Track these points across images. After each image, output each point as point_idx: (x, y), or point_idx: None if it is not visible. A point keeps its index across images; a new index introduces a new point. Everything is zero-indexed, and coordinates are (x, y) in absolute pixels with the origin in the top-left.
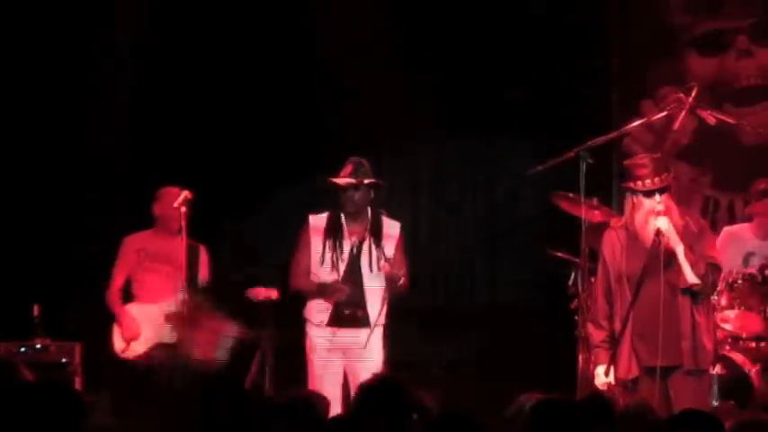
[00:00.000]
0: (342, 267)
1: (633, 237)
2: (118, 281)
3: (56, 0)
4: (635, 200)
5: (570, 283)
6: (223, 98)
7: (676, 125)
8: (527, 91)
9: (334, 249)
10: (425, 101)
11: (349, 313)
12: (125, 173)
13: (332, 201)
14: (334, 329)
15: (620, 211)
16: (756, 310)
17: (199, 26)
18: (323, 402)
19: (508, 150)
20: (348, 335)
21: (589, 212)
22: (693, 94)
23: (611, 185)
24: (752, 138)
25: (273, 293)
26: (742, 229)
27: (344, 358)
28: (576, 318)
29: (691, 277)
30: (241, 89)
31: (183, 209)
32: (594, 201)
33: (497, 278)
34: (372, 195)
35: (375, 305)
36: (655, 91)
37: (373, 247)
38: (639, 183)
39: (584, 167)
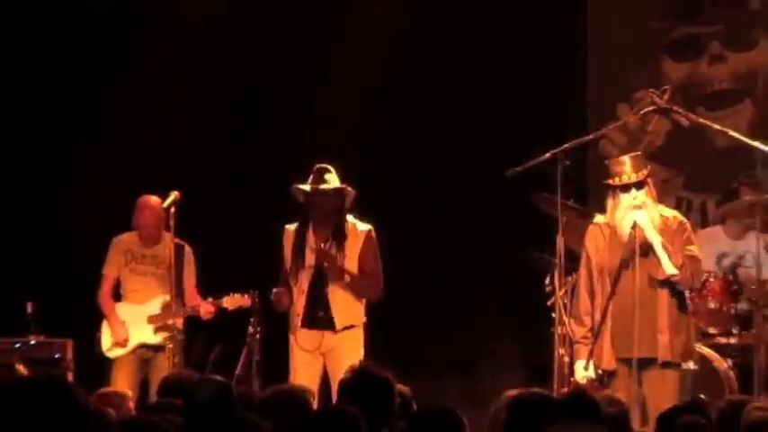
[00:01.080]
0: (307, 272)
1: (612, 233)
2: (108, 283)
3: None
4: (614, 196)
5: (547, 281)
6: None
7: (650, 127)
8: (508, 94)
9: (299, 255)
10: (407, 102)
11: (316, 316)
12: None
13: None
14: (306, 331)
15: (599, 210)
16: (727, 306)
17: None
18: (307, 396)
19: (488, 151)
20: (318, 336)
21: (566, 212)
22: (667, 97)
23: (586, 186)
24: (723, 140)
25: (247, 302)
26: (715, 230)
27: (322, 359)
28: (554, 315)
29: (669, 268)
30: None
31: (173, 210)
32: (571, 201)
33: (477, 276)
34: (345, 199)
35: (341, 307)
36: (630, 94)
37: (334, 249)
38: (617, 179)
39: (561, 168)
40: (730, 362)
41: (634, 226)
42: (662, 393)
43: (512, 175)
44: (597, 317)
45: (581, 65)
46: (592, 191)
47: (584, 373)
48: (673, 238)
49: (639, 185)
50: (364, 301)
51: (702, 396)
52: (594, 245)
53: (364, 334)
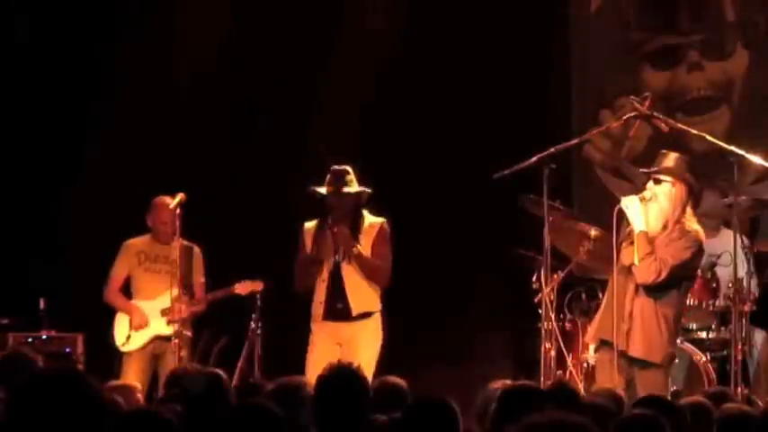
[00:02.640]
0: (328, 264)
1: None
2: (117, 281)
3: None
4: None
5: (534, 278)
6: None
7: (632, 132)
8: (496, 101)
9: (318, 250)
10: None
11: (335, 308)
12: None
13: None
14: (327, 323)
15: (582, 212)
16: (706, 303)
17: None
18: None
19: (477, 155)
20: (338, 327)
21: (551, 213)
22: (647, 104)
23: (571, 188)
24: (701, 144)
25: (258, 286)
26: None
27: (340, 349)
28: (540, 311)
29: (629, 258)
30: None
31: (178, 211)
32: (557, 202)
33: (467, 273)
34: (361, 198)
35: (357, 293)
36: (612, 101)
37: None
38: (646, 167)
39: (546, 172)
40: (709, 356)
41: (619, 211)
42: (647, 390)
43: (499, 178)
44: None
45: (566, 74)
46: (576, 193)
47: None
48: (663, 240)
49: (657, 181)
50: (379, 289)
51: (675, 388)
52: (619, 229)
53: (382, 322)
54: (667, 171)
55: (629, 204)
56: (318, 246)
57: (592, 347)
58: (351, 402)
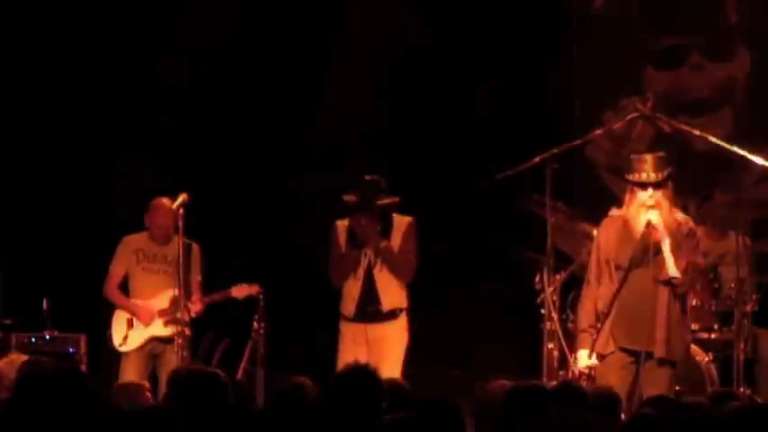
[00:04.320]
0: (363, 262)
1: (626, 227)
2: (116, 277)
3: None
4: (632, 192)
5: (537, 279)
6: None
7: (634, 133)
8: (500, 102)
9: (353, 246)
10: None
11: (367, 309)
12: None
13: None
14: (356, 324)
15: (585, 212)
16: (708, 304)
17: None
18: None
19: (482, 155)
20: (366, 328)
21: (554, 213)
22: (650, 105)
23: (573, 189)
24: (703, 145)
25: (255, 289)
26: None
27: (369, 350)
28: (543, 311)
29: (672, 270)
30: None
31: (181, 211)
32: (560, 203)
33: (470, 274)
34: (391, 208)
35: (387, 297)
36: (615, 102)
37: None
38: (636, 175)
39: (549, 172)
40: (711, 356)
41: (648, 225)
42: (654, 388)
43: (502, 178)
44: (600, 306)
45: (568, 75)
46: (578, 193)
47: (587, 361)
48: (682, 241)
49: (658, 185)
50: (405, 287)
51: (678, 388)
52: (606, 237)
53: (407, 320)
54: (664, 176)
55: (654, 216)
56: (352, 241)
57: (584, 353)
58: (366, 402)
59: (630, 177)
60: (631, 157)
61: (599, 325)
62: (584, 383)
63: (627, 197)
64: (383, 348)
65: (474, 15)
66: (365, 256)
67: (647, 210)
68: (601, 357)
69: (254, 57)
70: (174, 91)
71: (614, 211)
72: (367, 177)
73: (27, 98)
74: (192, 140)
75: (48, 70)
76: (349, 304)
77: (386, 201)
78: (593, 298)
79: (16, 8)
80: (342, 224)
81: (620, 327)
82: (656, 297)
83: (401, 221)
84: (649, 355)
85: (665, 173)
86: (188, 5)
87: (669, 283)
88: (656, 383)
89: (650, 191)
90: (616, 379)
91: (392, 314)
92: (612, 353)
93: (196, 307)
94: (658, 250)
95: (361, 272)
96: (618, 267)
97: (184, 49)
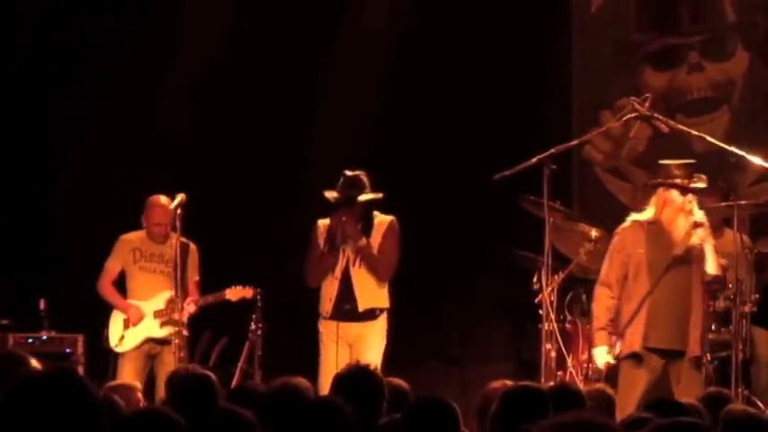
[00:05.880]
0: (341, 262)
1: (659, 230)
2: (111, 274)
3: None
4: (667, 196)
5: (534, 279)
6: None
7: (632, 133)
8: (497, 103)
9: (332, 246)
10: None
11: (343, 308)
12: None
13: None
14: (334, 323)
15: (583, 212)
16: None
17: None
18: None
19: (478, 156)
20: (345, 327)
21: (552, 214)
22: (648, 105)
23: (571, 189)
24: (701, 145)
25: (249, 293)
26: None
27: (350, 349)
28: (540, 312)
29: (713, 269)
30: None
31: (179, 212)
32: (557, 203)
33: (468, 274)
34: (373, 204)
35: (364, 296)
36: (613, 102)
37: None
38: (678, 180)
39: (547, 172)
40: (709, 357)
41: (696, 225)
42: (690, 389)
43: (499, 178)
44: (628, 306)
45: (566, 75)
46: (576, 193)
47: (606, 358)
48: (712, 245)
49: (693, 191)
50: (385, 286)
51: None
52: (633, 241)
53: (388, 321)
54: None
55: (700, 217)
56: (330, 240)
57: (602, 350)
58: (367, 402)
59: (672, 182)
60: (663, 162)
61: (611, 327)
62: (601, 383)
63: (659, 201)
64: (360, 348)
65: (473, 15)
66: (343, 254)
67: (687, 213)
68: (628, 357)
69: (253, 57)
70: (174, 91)
71: (637, 216)
72: (348, 173)
73: (27, 98)
74: (191, 140)
75: (48, 70)
76: (326, 303)
77: (368, 197)
78: (611, 298)
79: (15, 9)
80: (323, 223)
81: (655, 327)
82: (691, 297)
83: (382, 220)
84: (679, 355)
85: (697, 179)
86: (188, 5)
87: (704, 283)
88: (692, 384)
89: (690, 195)
90: (642, 379)
91: (370, 314)
92: (640, 352)
93: (190, 308)
94: (699, 252)
95: (338, 271)
96: (651, 270)
97: (184, 49)
